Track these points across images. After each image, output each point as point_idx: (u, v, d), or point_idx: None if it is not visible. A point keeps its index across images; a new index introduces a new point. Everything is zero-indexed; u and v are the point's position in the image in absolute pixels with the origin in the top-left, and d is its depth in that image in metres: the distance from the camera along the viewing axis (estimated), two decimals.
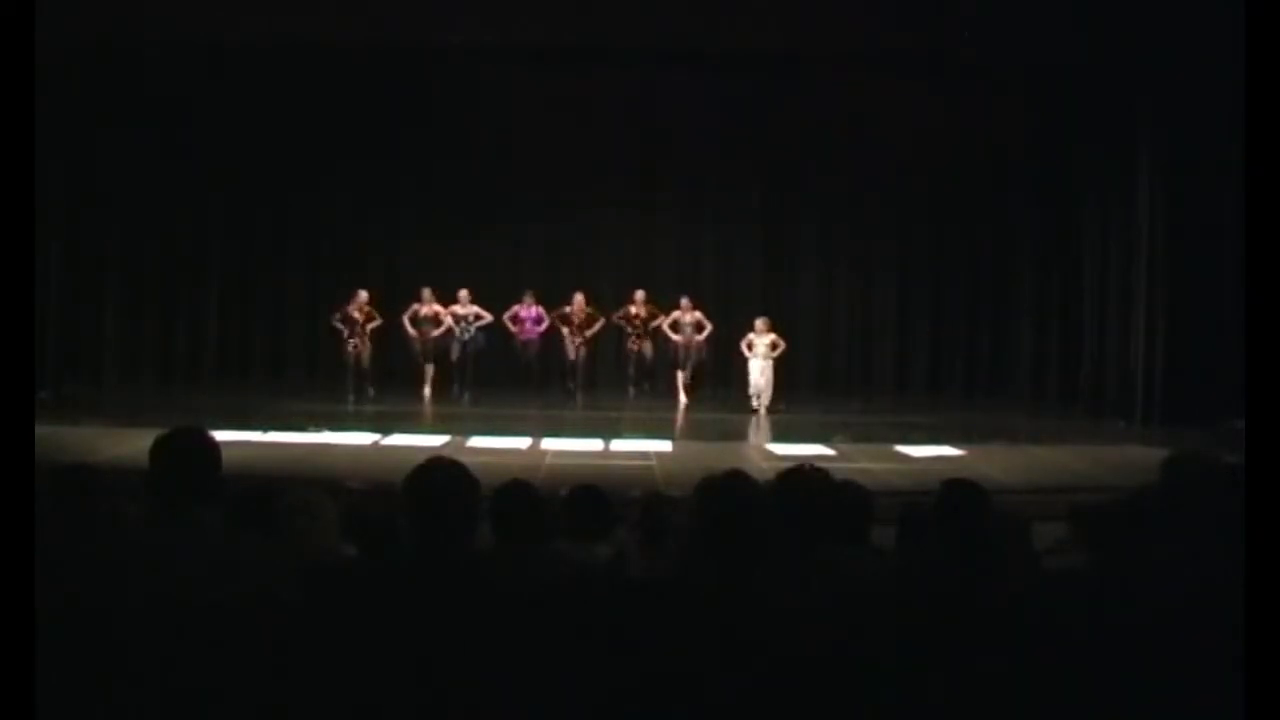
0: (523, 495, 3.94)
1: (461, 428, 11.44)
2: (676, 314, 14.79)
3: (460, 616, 2.71)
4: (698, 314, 14.76)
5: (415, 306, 14.61)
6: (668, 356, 14.99)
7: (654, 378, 15.10)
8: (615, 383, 15.52)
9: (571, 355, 14.78)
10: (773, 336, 14.13)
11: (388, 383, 14.74)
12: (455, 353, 14.61)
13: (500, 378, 14.88)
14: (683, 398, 14.49)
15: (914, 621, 2.82)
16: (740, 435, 12.42)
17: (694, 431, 12.69)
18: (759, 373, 13.93)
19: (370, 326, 14.21)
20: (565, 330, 14.78)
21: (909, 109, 15.42)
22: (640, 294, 15.04)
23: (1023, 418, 13.92)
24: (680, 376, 14.65)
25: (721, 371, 16.16)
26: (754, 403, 13.88)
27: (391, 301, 14.98)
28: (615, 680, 2.64)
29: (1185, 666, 2.71)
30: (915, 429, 12.06)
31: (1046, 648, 2.74)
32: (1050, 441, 11.82)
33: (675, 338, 14.71)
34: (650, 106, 15.83)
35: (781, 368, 14.22)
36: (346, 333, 14.13)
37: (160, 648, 2.63)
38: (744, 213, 17.01)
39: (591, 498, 4.61)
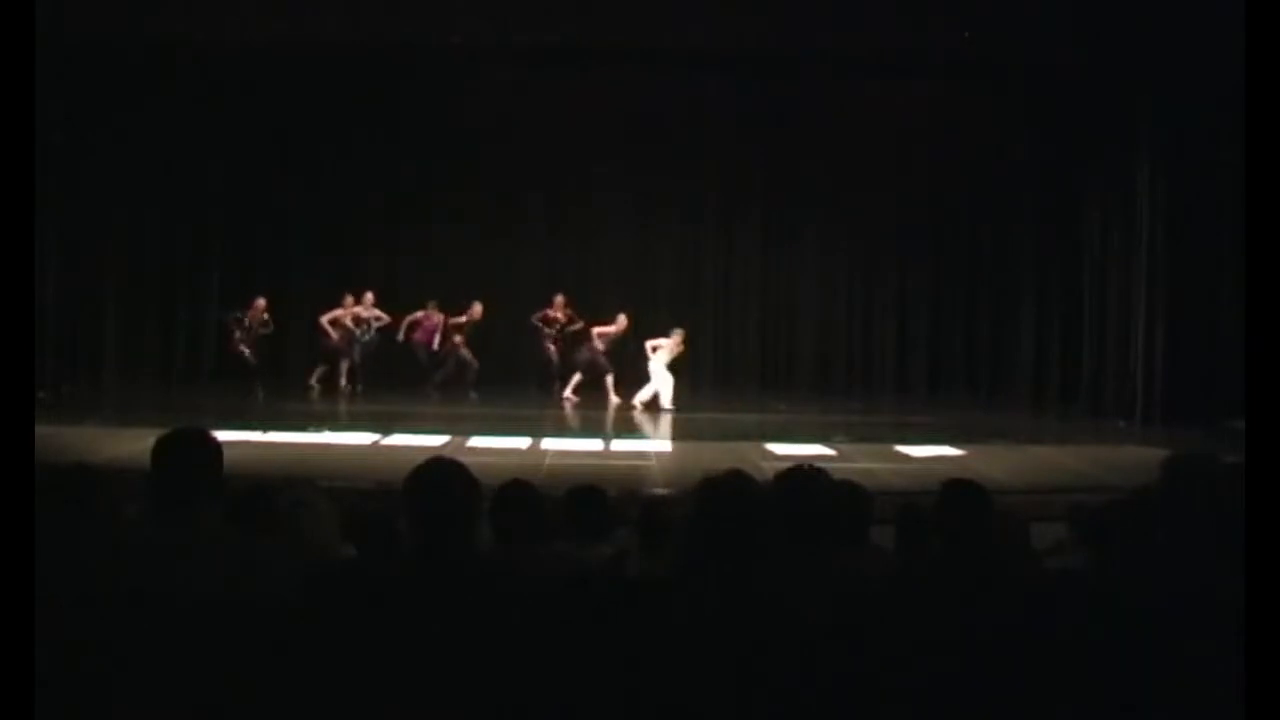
0: (523, 495, 3.94)
1: (461, 428, 11.43)
2: (611, 328, 14.66)
3: (460, 616, 2.71)
4: (624, 332, 14.72)
5: (339, 311, 14.92)
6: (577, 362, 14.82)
7: (560, 380, 14.96)
8: (520, 381, 15.44)
9: (465, 359, 14.89)
10: (680, 349, 14.27)
11: (387, 383, 14.76)
12: (357, 353, 15.02)
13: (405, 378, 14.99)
14: (613, 396, 14.48)
15: (914, 621, 2.82)
16: (740, 435, 12.40)
17: (693, 432, 12.68)
18: (661, 377, 14.04)
19: (263, 333, 14.66)
20: (459, 338, 14.90)
21: (909, 109, 15.43)
22: (560, 298, 15.11)
23: (1023, 418, 13.91)
24: (606, 380, 14.57)
25: (721, 373, 16.22)
26: (667, 405, 13.94)
27: (391, 301, 15.04)
28: (615, 680, 2.64)
29: (1185, 666, 2.71)
30: (915, 429, 12.05)
31: (1046, 648, 2.74)
32: (1050, 441, 11.81)
33: (598, 345, 14.61)
34: (650, 106, 15.81)
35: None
36: (239, 335, 14.47)
37: (160, 648, 2.63)
38: (744, 212, 17.01)
39: (591, 498, 4.61)
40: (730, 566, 2.86)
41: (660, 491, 7.89)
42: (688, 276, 16.94)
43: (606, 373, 14.58)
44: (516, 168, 16.22)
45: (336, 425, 11.76)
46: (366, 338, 15.05)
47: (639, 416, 13.67)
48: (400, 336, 15.22)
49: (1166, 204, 13.00)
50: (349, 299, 15.05)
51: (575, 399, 14.48)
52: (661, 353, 14.19)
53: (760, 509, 2.99)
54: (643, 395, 14.13)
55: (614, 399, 14.40)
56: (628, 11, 12.39)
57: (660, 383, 14.15)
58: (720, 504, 2.96)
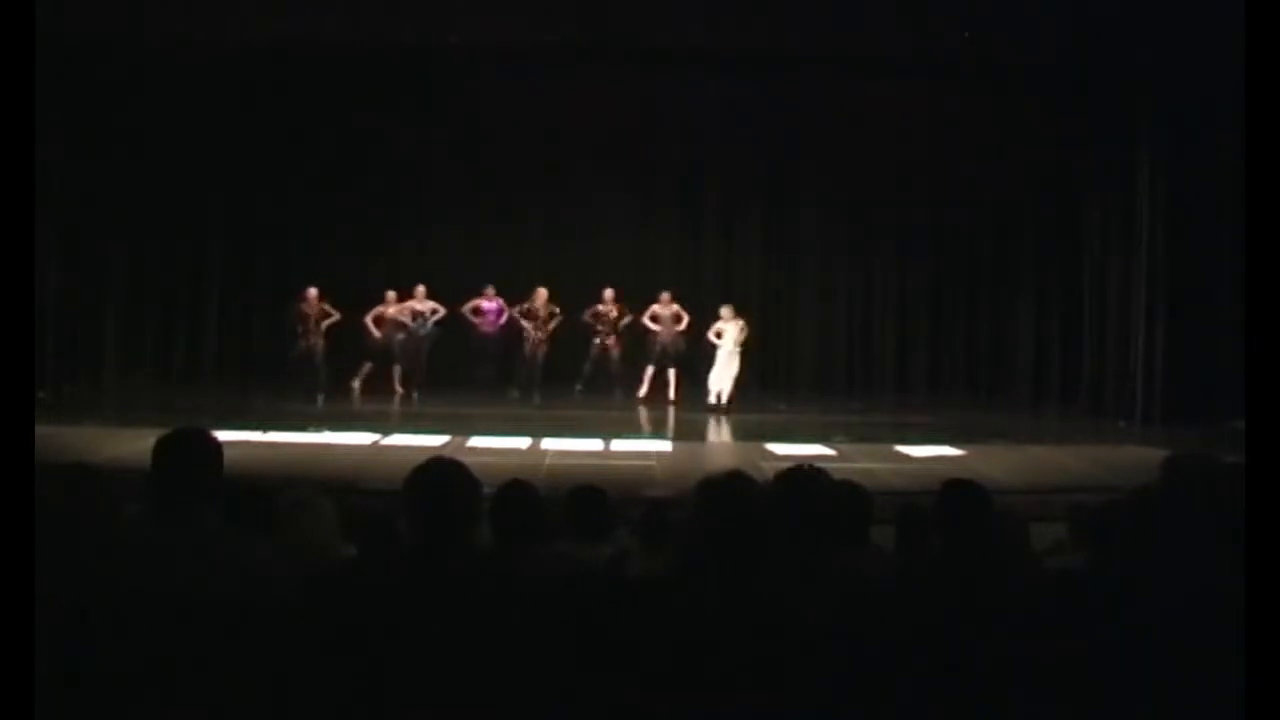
0: (523, 495, 3.94)
1: (461, 428, 11.43)
2: (656, 307, 14.60)
3: (460, 616, 2.71)
4: (675, 306, 14.62)
5: (380, 309, 14.76)
6: (642, 354, 14.74)
7: (619, 379, 14.84)
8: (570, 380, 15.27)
9: (529, 351, 14.69)
10: (741, 322, 14.07)
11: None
12: (397, 352, 14.78)
13: (464, 373, 14.93)
14: (672, 395, 14.37)
15: (914, 621, 2.82)
16: (740, 435, 12.41)
17: (693, 431, 12.68)
18: (726, 364, 13.88)
19: (326, 324, 14.32)
20: (528, 325, 14.68)
21: (909, 109, 15.41)
22: (609, 292, 14.88)
23: (1023, 418, 13.90)
24: (670, 373, 14.45)
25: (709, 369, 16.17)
26: (712, 399, 13.80)
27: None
28: (616, 680, 2.64)
29: (1185, 666, 2.71)
30: (915, 429, 12.05)
31: (1046, 648, 2.74)
32: (1050, 441, 11.80)
33: (655, 328, 14.53)
34: (650, 106, 15.80)
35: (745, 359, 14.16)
36: (300, 330, 14.26)
37: (160, 647, 2.63)
38: (744, 212, 17.02)
39: (591, 498, 4.61)
40: (730, 566, 2.86)
41: (661, 492, 7.89)
42: (688, 276, 16.90)
43: (661, 364, 14.45)
44: (516, 168, 16.21)
45: (336, 425, 11.75)
46: (424, 331, 14.76)
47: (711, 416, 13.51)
48: (476, 319, 14.85)
49: (1166, 204, 13.00)
50: (391, 295, 14.79)
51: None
52: (726, 338, 13.97)
53: (760, 509, 2.99)
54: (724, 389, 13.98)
55: (673, 396, 14.27)
56: (628, 11, 12.38)
57: (722, 371, 13.92)
58: (720, 504, 2.96)
